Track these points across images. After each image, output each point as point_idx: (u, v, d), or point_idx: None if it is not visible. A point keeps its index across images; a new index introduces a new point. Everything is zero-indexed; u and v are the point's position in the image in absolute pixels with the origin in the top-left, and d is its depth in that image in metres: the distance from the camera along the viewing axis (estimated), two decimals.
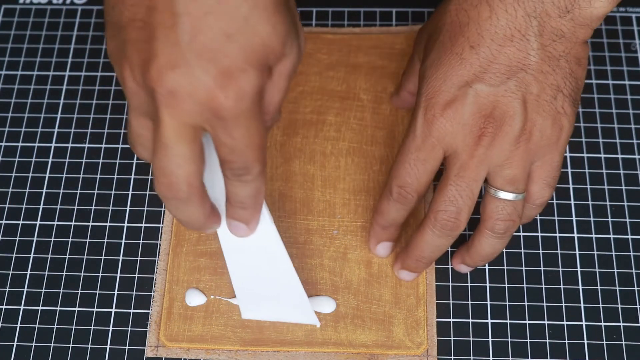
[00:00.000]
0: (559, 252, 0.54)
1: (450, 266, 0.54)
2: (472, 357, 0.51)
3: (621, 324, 0.52)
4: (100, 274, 0.54)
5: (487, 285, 0.53)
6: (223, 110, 0.39)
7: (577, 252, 0.54)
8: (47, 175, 0.58)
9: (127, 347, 0.51)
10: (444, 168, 0.48)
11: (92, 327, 0.52)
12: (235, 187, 0.43)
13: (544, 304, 0.53)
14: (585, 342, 0.51)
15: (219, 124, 0.39)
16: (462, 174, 0.47)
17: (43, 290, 0.54)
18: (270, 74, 0.41)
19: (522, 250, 0.54)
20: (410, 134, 0.48)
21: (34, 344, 0.52)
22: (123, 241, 0.55)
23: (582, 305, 0.53)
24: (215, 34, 0.38)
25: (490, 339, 0.52)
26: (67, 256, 0.55)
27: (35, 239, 0.55)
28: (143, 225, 0.56)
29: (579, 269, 0.54)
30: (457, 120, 0.47)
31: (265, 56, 0.40)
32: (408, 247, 0.51)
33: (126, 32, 0.39)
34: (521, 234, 0.55)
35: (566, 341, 0.51)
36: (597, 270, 0.54)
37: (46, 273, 0.54)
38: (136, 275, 0.54)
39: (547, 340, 0.51)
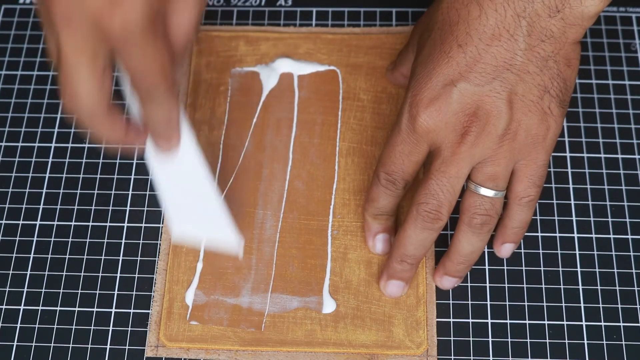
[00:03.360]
0: (559, 252, 0.54)
1: None
2: (472, 357, 0.51)
3: (621, 324, 0.52)
4: (100, 274, 0.54)
5: (487, 285, 0.53)
6: (112, 33, 0.40)
7: (577, 252, 0.54)
8: (47, 175, 0.58)
9: (127, 347, 0.51)
10: (429, 162, 0.49)
11: (92, 327, 0.52)
12: (148, 108, 0.45)
13: (544, 304, 0.53)
14: (585, 342, 0.51)
15: (117, 48, 0.41)
16: (443, 169, 0.48)
17: (43, 290, 0.54)
18: None
19: (522, 250, 0.54)
20: (396, 127, 0.49)
21: (34, 344, 0.52)
22: (123, 241, 0.55)
23: (582, 305, 0.53)
24: None
25: (490, 339, 0.52)
26: (67, 256, 0.55)
27: (35, 239, 0.55)
28: (143, 225, 0.56)
29: (579, 269, 0.54)
30: (439, 118, 0.47)
31: None
32: (391, 249, 0.52)
33: None
34: None
35: (566, 341, 0.51)
36: (597, 270, 0.54)
37: (46, 273, 0.54)
38: (136, 275, 0.54)
39: (547, 340, 0.51)
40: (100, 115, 0.43)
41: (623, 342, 0.51)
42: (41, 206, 0.57)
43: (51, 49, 0.44)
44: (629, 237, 0.55)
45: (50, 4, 0.40)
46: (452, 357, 0.51)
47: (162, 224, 0.55)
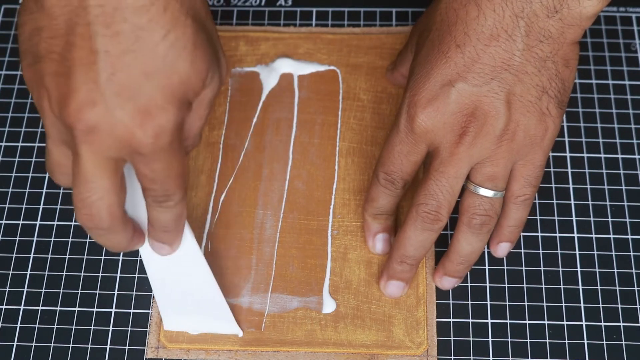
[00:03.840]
0: (559, 252, 0.54)
1: None
2: (472, 357, 0.51)
3: (621, 324, 0.52)
4: (100, 274, 0.54)
5: (487, 285, 0.53)
6: (142, 147, 0.40)
7: (577, 252, 0.54)
8: (47, 175, 0.58)
9: (127, 347, 0.51)
10: (428, 162, 0.49)
11: (92, 327, 0.52)
12: (158, 213, 0.44)
13: (544, 304, 0.53)
14: (585, 342, 0.51)
15: (139, 158, 0.41)
16: (442, 169, 0.48)
17: (43, 290, 0.54)
18: (190, 107, 0.42)
19: (522, 250, 0.54)
20: (394, 128, 0.49)
21: (34, 344, 0.52)
22: None
23: (582, 305, 0.53)
24: (133, 73, 0.39)
25: (490, 339, 0.52)
26: (67, 256, 0.55)
27: (35, 239, 0.55)
28: None
29: (579, 269, 0.54)
30: (437, 118, 0.47)
31: (184, 93, 0.41)
32: (391, 250, 0.52)
33: (44, 63, 0.40)
34: (521, 233, 0.55)
35: (566, 341, 0.51)
36: (597, 270, 0.54)
37: (46, 273, 0.54)
38: (136, 275, 0.54)
39: (547, 340, 0.51)
40: (116, 227, 0.43)
41: (623, 342, 0.51)
42: (41, 206, 0.57)
43: (57, 157, 0.43)
44: (629, 237, 0.55)
45: (72, 115, 0.39)
46: (452, 357, 0.51)
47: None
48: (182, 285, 0.50)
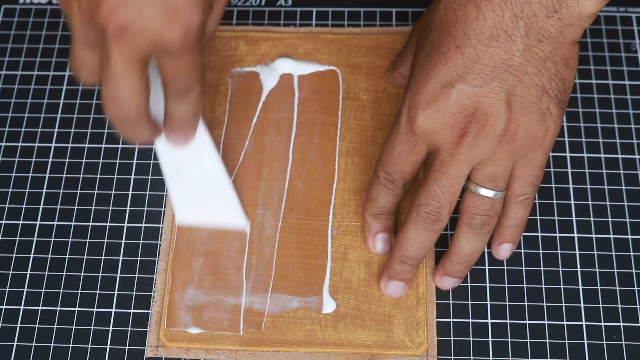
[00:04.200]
0: (559, 252, 0.54)
1: None
2: (472, 357, 0.51)
3: (621, 324, 0.52)
4: (100, 274, 0.54)
5: (487, 285, 0.53)
6: (171, 44, 0.42)
7: (577, 252, 0.54)
8: (47, 175, 0.58)
9: (127, 347, 0.51)
10: (428, 163, 0.49)
11: (92, 327, 0.52)
12: (178, 106, 0.47)
13: (544, 304, 0.53)
14: (585, 342, 0.51)
15: (166, 55, 0.43)
16: (442, 170, 0.48)
17: (43, 290, 0.54)
18: (212, 7, 0.46)
19: (522, 250, 0.54)
20: (394, 128, 0.49)
21: (34, 344, 0.52)
22: (123, 241, 0.55)
23: (582, 305, 0.53)
24: None
25: (490, 339, 0.52)
26: (67, 256, 0.55)
27: (35, 239, 0.55)
28: (143, 225, 0.56)
29: (579, 269, 0.54)
30: (438, 119, 0.47)
31: None
32: (392, 250, 0.52)
33: None
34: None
35: (566, 341, 0.51)
36: (597, 270, 0.54)
37: (46, 273, 0.54)
38: (136, 275, 0.54)
39: (547, 340, 0.51)
40: (143, 120, 0.45)
41: (623, 342, 0.51)
42: (41, 206, 0.57)
43: (84, 58, 0.45)
44: (629, 237, 0.55)
45: (103, 16, 0.41)
46: (452, 357, 0.51)
47: (162, 224, 0.55)
48: (194, 178, 0.53)
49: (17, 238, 0.55)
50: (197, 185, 0.53)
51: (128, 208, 0.56)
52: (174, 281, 0.53)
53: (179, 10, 0.42)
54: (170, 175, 0.53)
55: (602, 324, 0.52)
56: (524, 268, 0.54)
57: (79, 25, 0.43)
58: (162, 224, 0.56)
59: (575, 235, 0.55)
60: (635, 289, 0.53)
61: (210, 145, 0.51)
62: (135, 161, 0.58)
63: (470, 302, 0.53)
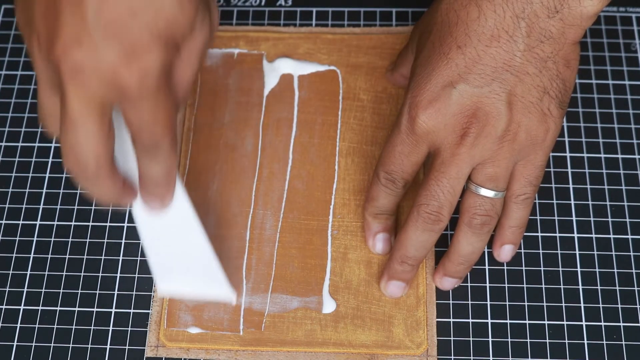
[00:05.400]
0: (559, 252, 0.54)
1: None
2: (472, 357, 0.51)
3: (621, 324, 0.52)
4: (100, 274, 0.54)
5: (487, 285, 0.53)
6: (127, 87, 0.39)
7: (577, 252, 0.54)
8: (47, 175, 0.58)
9: (127, 347, 0.51)
10: (429, 163, 0.49)
11: (92, 327, 0.52)
12: (147, 164, 0.44)
13: (544, 304, 0.53)
14: (585, 342, 0.51)
15: (126, 102, 0.40)
16: (443, 170, 0.48)
17: (43, 290, 0.54)
18: (179, 51, 0.41)
19: (522, 250, 0.54)
20: (395, 128, 0.49)
21: (34, 344, 0.52)
22: (123, 241, 0.55)
23: (582, 305, 0.53)
24: (120, 11, 0.39)
25: (490, 339, 0.52)
26: (67, 256, 0.55)
27: (35, 239, 0.55)
28: None
29: (579, 269, 0.54)
30: (439, 119, 0.47)
31: (171, 33, 0.40)
32: (392, 250, 0.52)
33: (35, 5, 0.40)
34: None
35: (566, 341, 0.51)
36: (597, 270, 0.54)
37: (46, 273, 0.54)
38: (136, 275, 0.54)
39: (547, 340, 0.51)
40: (104, 175, 0.42)
41: (623, 342, 0.51)
42: (41, 206, 0.57)
43: (47, 104, 0.42)
44: (629, 237, 0.55)
45: (58, 54, 0.39)
46: (452, 357, 0.51)
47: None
48: (174, 248, 0.50)
49: (17, 238, 0.55)
50: (178, 254, 0.50)
51: (128, 208, 0.56)
52: None
53: (137, 50, 0.39)
54: (149, 242, 0.50)
55: (602, 324, 0.52)
56: (524, 268, 0.54)
57: (39, 66, 0.41)
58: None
59: (575, 235, 0.55)
60: (635, 289, 0.53)
61: (190, 210, 0.48)
62: None
63: (470, 302, 0.53)
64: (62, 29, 0.39)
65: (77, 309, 0.53)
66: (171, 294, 0.52)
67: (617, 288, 0.53)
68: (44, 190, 0.57)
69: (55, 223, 0.56)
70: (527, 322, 0.52)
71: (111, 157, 0.42)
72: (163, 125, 0.41)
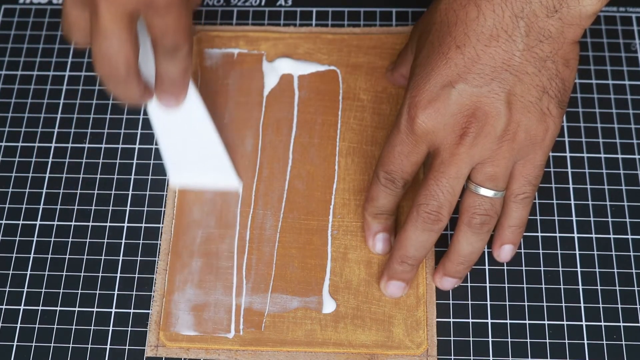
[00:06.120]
0: (559, 252, 0.54)
1: None
2: (472, 357, 0.51)
3: (621, 324, 0.52)
4: (100, 274, 0.54)
5: (487, 285, 0.53)
6: (156, 0, 0.45)
7: (577, 252, 0.54)
8: (47, 175, 0.58)
9: (127, 347, 0.51)
10: (429, 163, 0.49)
11: (92, 327, 0.52)
12: (167, 65, 0.49)
13: (544, 304, 0.53)
14: (585, 342, 0.51)
15: (153, 11, 0.45)
16: (442, 170, 0.48)
17: (43, 290, 0.54)
18: None
19: (522, 250, 0.54)
20: (395, 128, 0.49)
21: (34, 344, 0.52)
22: (123, 241, 0.55)
23: (582, 305, 0.53)
24: None
25: (490, 339, 0.52)
26: (67, 256, 0.55)
27: (35, 239, 0.55)
28: (143, 225, 0.56)
29: (579, 269, 0.54)
30: (438, 119, 0.47)
31: None
32: (392, 250, 0.52)
33: None
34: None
35: (566, 341, 0.51)
36: (597, 270, 0.54)
37: (46, 273, 0.54)
38: (136, 275, 0.54)
39: (547, 340, 0.51)
40: (132, 77, 0.47)
41: (623, 342, 0.51)
42: (41, 206, 0.57)
43: (75, 18, 0.46)
44: (629, 237, 0.55)
45: None
46: (452, 357, 0.51)
47: (162, 224, 0.55)
48: (186, 140, 0.54)
49: (17, 238, 0.55)
50: (189, 147, 0.55)
51: (128, 208, 0.56)
52: (174, 281, 0.53)
53: None
54: (163, 138, 0.55)
55: (602, 324, 0.52)
56: (524, 268, 0.54)
57: None
58: (162, 224, 0.56)
59: (575, 235, 0.55)
60: (635, 289, 0.53)
61: (201, 107, 0.53)
62: (135, 161, 0.58)
63: (470, 302, 0.53)
64: None
65: (77, 309, 0.53)
66: (182, 184, 0.56)
67: (617, 288, 0.53)
68: (44, 190, 0.57)
69: (55, 223, 0.56)
70: (527, 322, 0.52)
71: (137, 62, 0.47)
72: (184, 30, 0.47)
